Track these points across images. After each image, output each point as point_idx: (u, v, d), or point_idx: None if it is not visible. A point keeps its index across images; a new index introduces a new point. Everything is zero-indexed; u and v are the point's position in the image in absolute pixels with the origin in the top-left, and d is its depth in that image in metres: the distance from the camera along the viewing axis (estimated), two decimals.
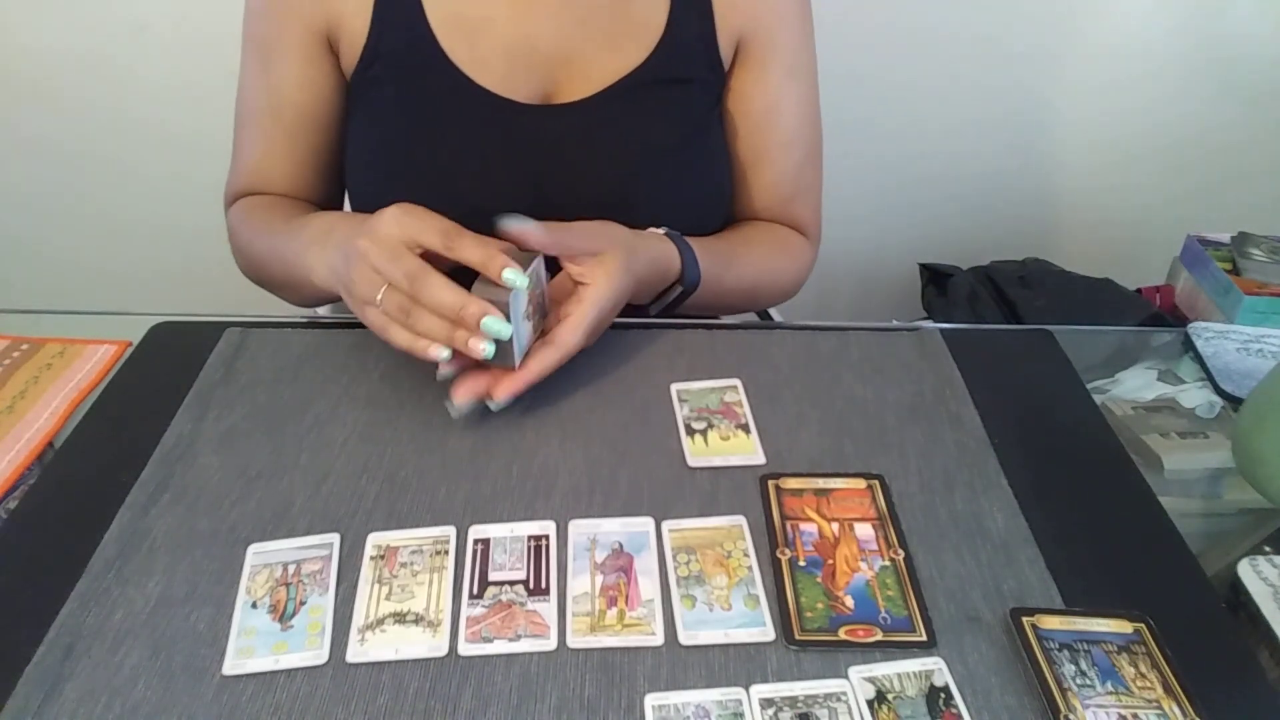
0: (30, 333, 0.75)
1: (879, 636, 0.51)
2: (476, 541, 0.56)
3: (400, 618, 0.51)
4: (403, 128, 0.78)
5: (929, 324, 0.78)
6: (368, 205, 0.81)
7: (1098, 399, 0.71)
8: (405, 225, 0.60)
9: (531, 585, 0.53)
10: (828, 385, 0.69)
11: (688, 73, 0.81)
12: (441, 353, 0.60)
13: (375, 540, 0.56)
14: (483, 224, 0.78)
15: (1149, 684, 0.48)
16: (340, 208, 0.89)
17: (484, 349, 0.59)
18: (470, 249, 0.60)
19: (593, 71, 0.79)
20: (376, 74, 0.78)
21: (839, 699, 0.47)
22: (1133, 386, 0.75)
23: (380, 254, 0.60)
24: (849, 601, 0.52)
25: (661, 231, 0.77)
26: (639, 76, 0.79)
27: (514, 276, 0.59)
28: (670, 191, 0.81)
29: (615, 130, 0.79)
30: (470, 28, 0.77)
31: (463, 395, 0.62)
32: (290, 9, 0.78)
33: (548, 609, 0.52)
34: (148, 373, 0.70)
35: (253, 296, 0.84)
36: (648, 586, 0.53)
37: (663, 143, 0.80)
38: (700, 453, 0.63)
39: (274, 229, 0.78)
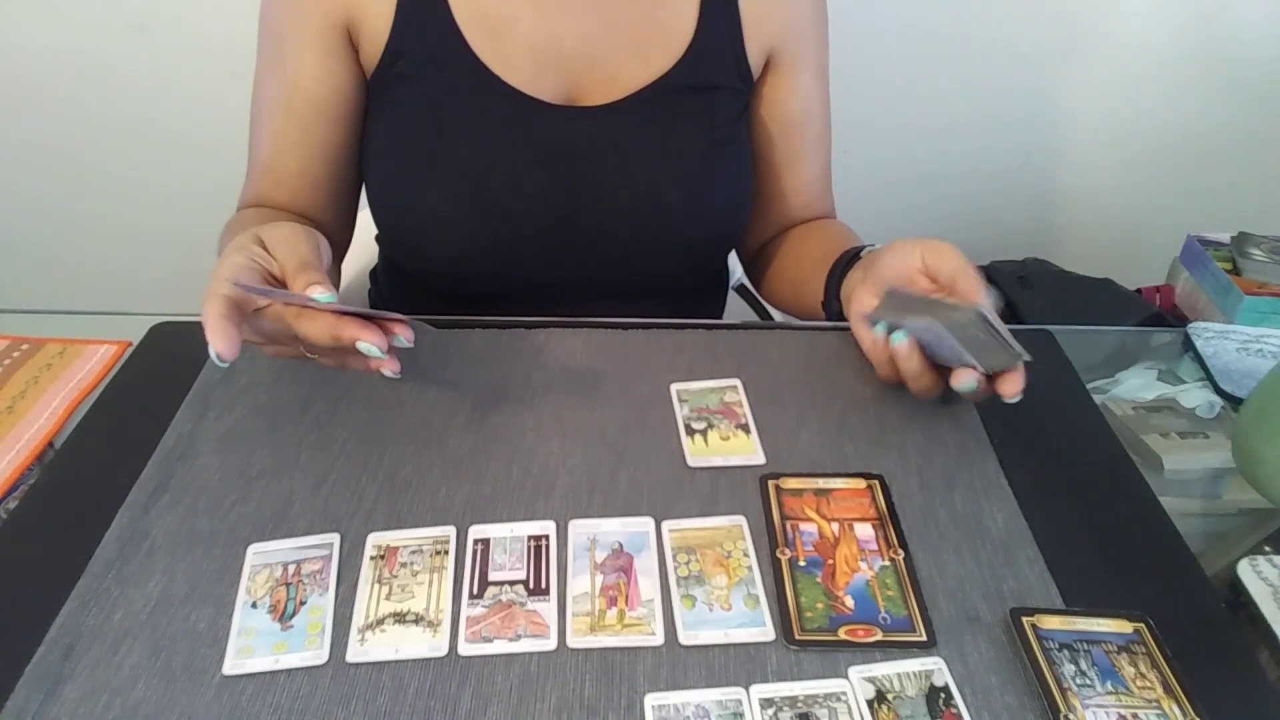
0: (30, 333, 0.75)
1: (879, 636, 0.51)
2: (476, 541, 0.56)
3: (400, 618, 0.51)
4: (430, 124, 0.77)
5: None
6: (391, 204, 0.81)
7: (1098, 399, 0.71)
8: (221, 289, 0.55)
9: (531, 585, 0.53)
10: (828, 385, 0.69)
11: (715, 80, 0.81)
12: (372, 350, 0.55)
13: (375, 540, 0.56)
14: (512, 221, 0.79)
15: (1149, 684, 0.48)
16: (353, 210, 0.88)
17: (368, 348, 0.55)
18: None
19: (619, 77, 0.78)
20: (401, 70, 0.77)
21: (839, 699, 0.47)
22: (1133, 386, 0.75)
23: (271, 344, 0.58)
24: (849, 601, 0.52)
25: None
26: (666, 83, 0.79)
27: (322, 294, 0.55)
28: (698, 196, 0.81)
29: (642, 135, 0.79)
30: (494, 26, 0.77)
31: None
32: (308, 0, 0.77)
33: (548, 609, 0.52)
34: (148, 373, 0.70)
35: None
36: (648, 586, 0.53)
37: (690, 148, 0.80)
38: (700, 453, 0.63)
39: None
